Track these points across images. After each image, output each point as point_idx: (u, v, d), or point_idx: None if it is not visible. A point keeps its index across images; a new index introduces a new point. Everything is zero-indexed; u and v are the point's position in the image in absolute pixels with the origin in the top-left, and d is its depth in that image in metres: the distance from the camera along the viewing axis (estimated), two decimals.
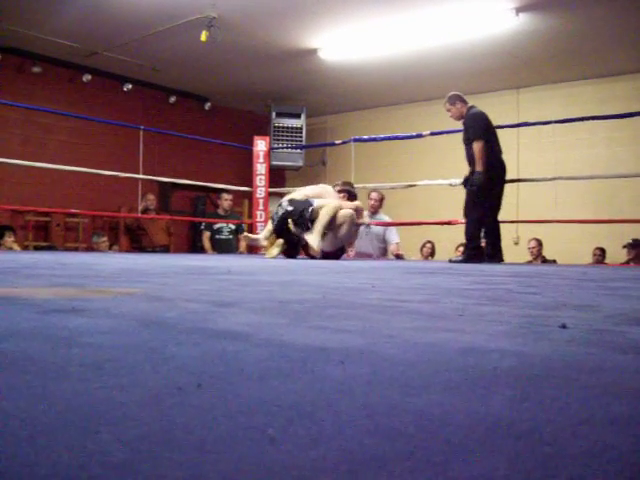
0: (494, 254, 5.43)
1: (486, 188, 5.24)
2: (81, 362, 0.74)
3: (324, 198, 5.75)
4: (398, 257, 6.75)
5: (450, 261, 5.59)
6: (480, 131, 5.24)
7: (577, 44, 7.61)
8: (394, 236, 6.85)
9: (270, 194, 8.13)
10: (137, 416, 0.53)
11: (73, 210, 8.02)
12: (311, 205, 5.54)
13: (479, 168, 5.18)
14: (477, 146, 5.20)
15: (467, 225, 5.39)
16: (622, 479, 0.41)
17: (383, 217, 7.04)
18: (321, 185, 6.16)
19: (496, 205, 5.44)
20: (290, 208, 5.56)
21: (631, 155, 8.38)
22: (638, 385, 0.69)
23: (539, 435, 0.50)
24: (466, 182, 5.38)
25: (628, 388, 0.67)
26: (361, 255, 6.72)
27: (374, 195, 6.95)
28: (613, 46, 7.66)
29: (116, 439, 0.47)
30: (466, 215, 5.40)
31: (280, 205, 5.71)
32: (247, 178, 8.33)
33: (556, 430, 0.51)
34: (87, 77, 8.93)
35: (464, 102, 5.48)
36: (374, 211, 6.92)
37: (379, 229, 6.82)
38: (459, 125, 5.58)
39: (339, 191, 6.01)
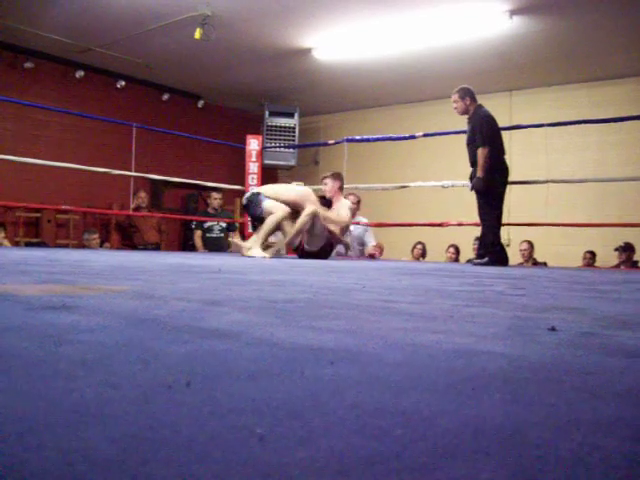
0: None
1: (496, 192, 5.24)
2: (70, 359, 0.74)
3: (304, 201, 5.62)
4: (372, 257, 6.81)
5: (474, 264, 5.48)
6: (488, 137, 5.21)
7: (570, 48, 7.65)
8: (371, 238, 7.07)
9: None
10: (126, 414, 0.53)
11: (64, 207, 7.98)
12: (260, 206, 5.52)
13: (480, 174, 5.19)
14: (482, 152, 5.18)
15: (485, 229, 5.33)
16: None
17: (361, 219, 7.14)
18: (306, 190, 5.89)
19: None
20: (244, 202, 5.73)
21: (623, 159, 8.41)
22: (625, 388, 0.69)
23: (526, 437, 0.50)
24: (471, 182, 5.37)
25: (615, 391, 0.68)
26: (340, 256, 6.74)
27: (351, 198, 6.93)
28: (606, 50, 7.70)
29: (104, 437, 0.46)
30: (483, 220, 5.35)
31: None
32: (239, 177, 8.32)
33: (543, 432, 0.52)
34: (80, 73, 8.87)
35: (474, 99, 5.41)
36: (352, 214, 6.94)
37: (360, 231, 7.01)
38: (452, 127, 5.57)
39: (323, 177, 6.18)
